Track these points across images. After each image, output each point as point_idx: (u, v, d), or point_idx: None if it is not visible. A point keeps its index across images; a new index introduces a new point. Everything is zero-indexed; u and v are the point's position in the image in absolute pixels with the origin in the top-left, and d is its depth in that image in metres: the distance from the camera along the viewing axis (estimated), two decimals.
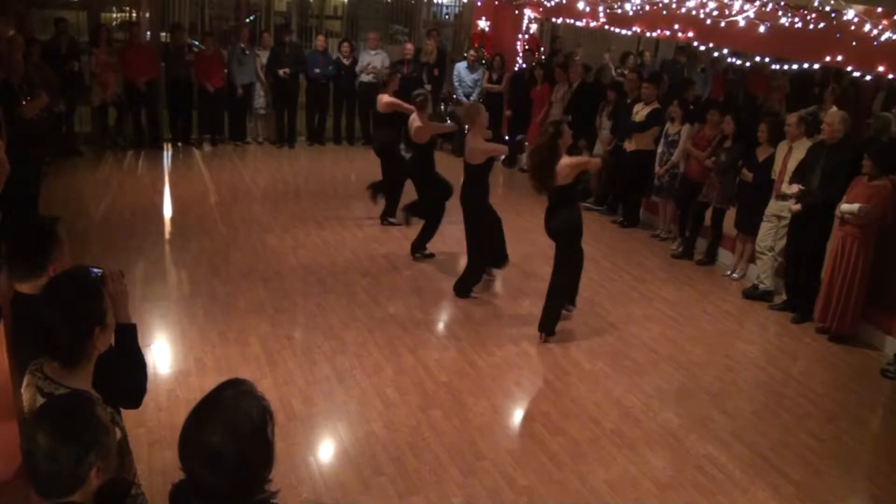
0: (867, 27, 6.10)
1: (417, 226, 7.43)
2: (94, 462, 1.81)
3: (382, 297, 6.37)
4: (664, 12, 8.47)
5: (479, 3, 12.29)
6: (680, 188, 7.99)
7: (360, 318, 5.95)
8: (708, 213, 7.70)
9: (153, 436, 4.18)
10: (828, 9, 6.36)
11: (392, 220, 8.16)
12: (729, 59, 11.30)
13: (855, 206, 5.87)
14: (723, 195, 7.38)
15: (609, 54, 12.08)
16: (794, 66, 10.44)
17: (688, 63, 11.46)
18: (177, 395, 4.66)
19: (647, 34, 9.51)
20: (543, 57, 11.57)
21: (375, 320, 5.93)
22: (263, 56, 10.81)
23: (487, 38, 12.08)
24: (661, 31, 8.75)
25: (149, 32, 10.88)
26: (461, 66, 11.30)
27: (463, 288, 6.49)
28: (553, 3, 10.66)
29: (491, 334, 5.88)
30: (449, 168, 7.61)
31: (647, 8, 8.70)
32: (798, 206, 6.37)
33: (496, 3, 11.84)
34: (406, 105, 7.54)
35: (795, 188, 6.32)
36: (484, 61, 11.36)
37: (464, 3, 13.67)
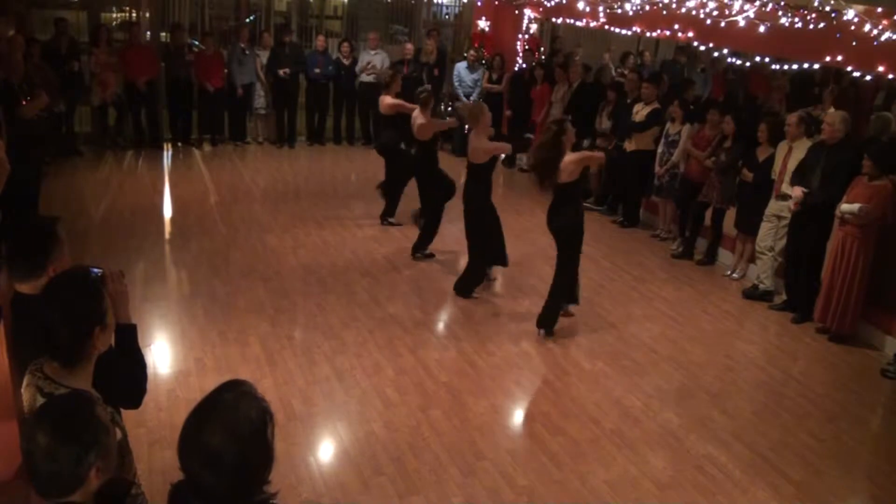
0: (867, 27, 6.10)
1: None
2: (94, 462, 1.81)
3: (382, 297, 6.37)
4: (664, 12, 8.47)
5: (479, 3, 12.29)
6: (680, 188, 7.99)
7: (360, 318, 5.95)
8: (708, 213, 7.70)
9: (153, 436, 4.18)
10: (828, 9, 6.35)
11: (391, 220, 8.16)
12: (729, 59, 11.30)
13: (855, 206, 5.87)
14: (723, 195, 7.38)
15: (609, 54, 12.08)
16: (794, 66, 10.44)
17: (688, 63, 11.47)
18: (177, 395, 4.66)
19: (647, 34, 9.51)
20: (543, 57, 11.58)
21: (375, 320, 5.93)
22: (263, 56, 10.81)
23: (487, 38, 12.08)
24: (661, 31, 8.75)
25: (149, 32, 10.88)
26: (461, 66, 11.30)
27: (463, 288, 6.49)
28: (553, 3, 10.66)
29: (491, 334, 5.88)
30: (449, 168, 7.60)
31: (647, 8, 8.70)
32: (796, 206, 6.36)
33: (496, 3, 11.84)
34: (409, 105, 7.55)
35: (799, 192, 6.30)
36: (484, 61, 11.36)
37: (464, 3, 13.66)
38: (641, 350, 5.85)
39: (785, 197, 6.60)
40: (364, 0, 14.61)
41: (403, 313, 6.11)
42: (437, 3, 14.56)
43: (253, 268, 6.74)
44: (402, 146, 8.00)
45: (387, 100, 7.81)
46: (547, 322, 5.86)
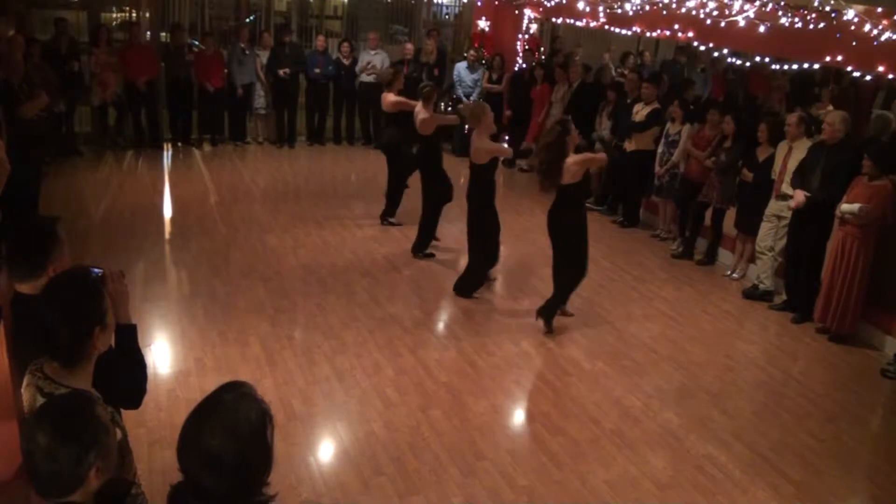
0: (867, 27, 6.10)
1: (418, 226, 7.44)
2: (94, 462, 1.81)
3: (382, 297, 6.37)
4: (664, 12, 8.47)
5: (479, 3, 12.29)
6: (680, 188, 7.99)
7: (360, 318, 5.95)
8: (708, 213, 7.70)
9: (153, 436, 4.18)
10: (828, 9, 6.35)
11: (392, 220, 8.16)
12: (729, 59, 11.30)
13: (855, 206, 5.87)
14: (723, 195, 7.38)
15: (609, 54, 12.08)
16: (794, 66, 10.44)
17: (688, 63, 11.47)
18: (177, 395, 4.65)
19: (647, 34, 9.51)
20: (543, 57, 11.58)
21: (375, 320, 5.93)
22: (263, 56, 10.81)
23: (487, 38, 12.08)
24: (661, 31, 8.75)
25: (149, 32, 10.87)
26: (461, 66, 11.30)
27: (463, 288, 6.49)
28: (553, 3, 10.66)
29: (491, 334, 5.88)
30: (449, 168, 7.59)
31: (647, 8, 8.70)
32: (797, 205, 6.35)
33: (496, 3, 11.84)
34: (411, 103, 7.58)
35: (801, 196, 6.29)
36: (484, 61, 11.36)
37: (464, 3, 13.66)
38: (641, 350, 5.85)
39: (785, 197, 6.60)
40: (364, 0, 14.61)
41: (403, 313, 6.11)
42: (437, 3, 14.56)
43: (253, 268, 6.74)
44: (404, 146, 8.01)
45: (389, 97, 7.81)
46: (547, 313, 5.93)
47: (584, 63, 10.62)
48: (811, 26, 6.62)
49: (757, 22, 7.13)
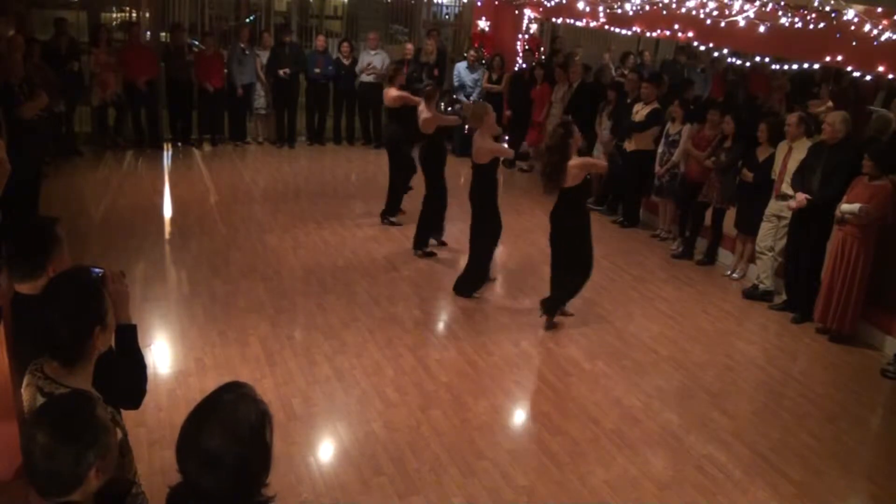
0: (867, 27, 6.10)
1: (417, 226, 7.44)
2: (94, 462, 1.80)
3: (382, 297, 6.37)
4: (664, 12, 8.47)
5: (479, 3, 12.29)
6: (680, 188, 7.99)
7: (360, 318, 5.95)
8: (708, 213, 7.70)
9: (153, 436, 4.17)
10: (828, 9, 6.35)
11: (392, 219, 8.17)
12: (729, 59, 11.31)
13: (855, 206, 5.87)
14: (723, 195, 7.38)
15: (609, 54, 12.09)
16: (794, 66, 10.45)
17: (688, 63, 11.47)
18: (177, 395, 4.65)
19: (647, 34, 9.52)
20: (543, 57, 11.58)
21: (375, 320, 5.93)
22: (263, 56, 10.81)
23: (487, 38, 12.08)
24: (661, 31, 8.75)
25: (149, 32, 10.88)
26: (461, 66, 11.30)
27: (463, 287, 6.49)
28: (553, 3, 10.66)
29: (491, 334, 5.88)
30: (449, 167, 7.58)
31: (647, 8, 8.70)
32: (798, 205, 6.35)
33: (496, 3, 11.84)
34: (414, 98, 7.59)
35: (802, 198, 6.29)
36: (484, 61, 11.36)
37: (464, 3, 13.67)
38: (641, 350, 5.85)
39: (785, 197, 6.60)
40: (364, 0, 14.61)
41: (403, 313, 6.11)
42: (437, 3, 14.56)
43: (253, 268, 6.74)
44: (405, 144, 8.03)
45: (391, 92, 7.82)
46: (551, 305, 5.96)
47: (584, 63, 10.62)
48: (811, 26, 6.62)
49: (757, 22, 7.13)
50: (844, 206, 5.95)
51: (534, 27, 11.95)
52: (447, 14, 14.95)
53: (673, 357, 5.78)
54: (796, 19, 6.70)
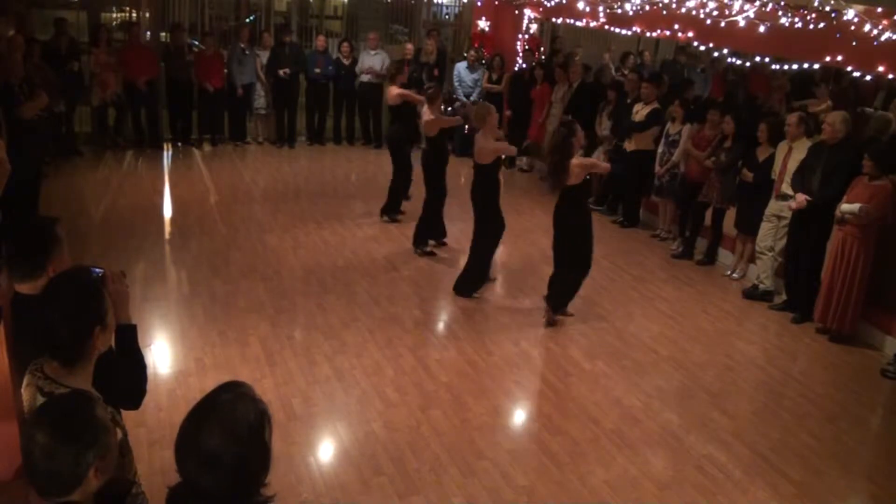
0: (867, 27, 6.10)
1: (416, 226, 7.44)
2: (93, 462, 1.80)
3: (382, 297, 6.37)
4: (664, 12, 8.47)
5: (479, 3, 12.29)
6: (680, 188, 7.99)
7: (360, 318, 5.95)
8: (708, 213, 7.70)
9: (153, 436, 4.17)
10: (828, 9, 6.35)
11: (393, 215, 8.18)
12: (729, 59, 11.30)
13: (855, 206, 5.87)
14: (723, 195, 7.38)
15: (609, 54, 12.08)
16: (794, 66, 10.45)
17: (688, 63, 11.46)
18: (177, 395, 4.65)
19: (647, 34, 9.51)
20: (543, 57, 11.57)
21: (375, 320, 5.93)
22: (263, 56, 10.81)
23: (487, 38, 12.08)
24: (661, 31, 8.75)
25: (149, 32, 10.88)
26: (461, 66, 11.31)
27: (463, 287, 6.49)
28: (553, 3, 10.66)
29: (491, 334, 5.88)
30: (449, 167, 7.58)
31: (647, 8, 8.70)
32: (798, 206, 6.35)
33: (496, 3, 11.84)
34: (416, 96, 7.58)
35: (803, 199, 6.29)
36: (484, 61, 11.36)
37: (464, 3, 13.66)
38: (641, 350, 5.85)
39: (785, 197, 6.60)
40: (364, 0, 14.61)
41: (403, 313, 6.11)
42: (437, 3, 14.55)
43: (253, 268, 6.74)
44: (405, 144, 8.04)
45: (393, 90, 7.83)
46: (556, 301, 6.00)
47: (584, 63, 10.61)
48: (811, 26, 6.61)
49: (757, 22, 7.13)
50: (844, 206, 5.95)
51: (534, 27, 11.95)
52: (447, 14, 14.95)
53: (673, 357, 5.78)
54: (796, 19, 6.70)
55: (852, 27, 6.24)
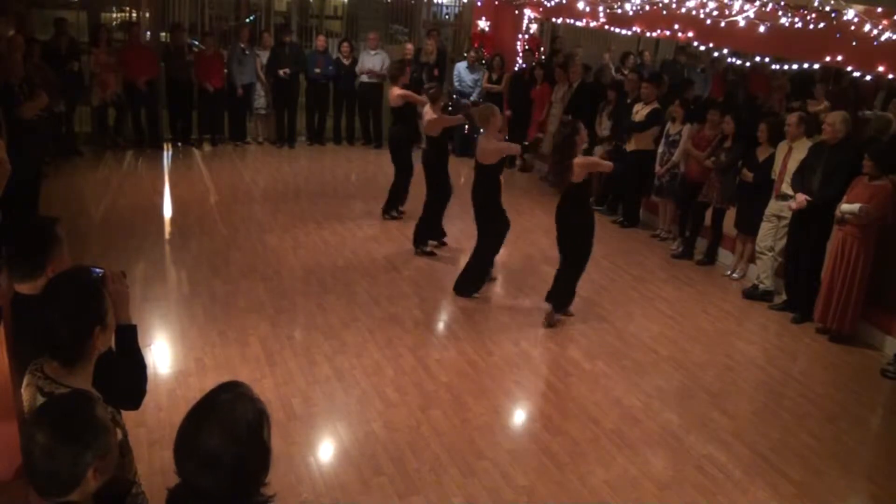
0: (867, 27, 6.10)
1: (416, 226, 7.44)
2: (92, 462, 1.80)
3: (382, 297, 6.37)
4: (664, 12, 8.47)
5: (479, 3, 12.29)
6: (680, 188, 7.99)
7: (360, 318, 5.95)
8: (708, 213, 7.70)
9: (153, 436, 4.17)
10: (828, 9, 6.35)
11: (394, 213, 8.19)
12: (729, 59, 11.31)
13: (855, 206, 5.87)
14: (723, 195, 7.38)
15: (609, 54, 12.08)
16: (794, 66, 10.45)
17: (688, 63, 11.47)
18: (177, 395, 4.65)
19: (647, 34, 9.51)
20: (543, 57, 11.58)
21: (375, 320, 5.93)
22: (263, 56, 10.81)
23: (487, 38, 12.08)
24: (661, 31, 8.75)
25: (149, 32, 10.88)
26: (461, 66, 11.31)
27: (463, 287, 6.49)
28: (553, 3, 10.66)
29: (491, 334, 5.88)
30: (450, 167, 7.59)
31: (647, 8, 8.70)
32: (798, 206, 6.35)
33: (496, 3, 11.84)
34: (417, 96, 7.59)
35: (803, 199, 6.29)
36: (484, 61, 11.36)
37: (464, 3, 13.67)
38: (641, 350, 5.85)
39: (785, 197, 6.60)
40: (364, 0, 14.61)
41: (403, 313, 6.11)
42: (437, 3, 14.56)
43: (253, 268, 6.74)
44: (406, 144, 8.04)
45: (395, 91, 7.83)
46: (558, 299, 6.00)
47: (584, 63, 10.61)
48: (811, 26, 6.62)
49: (757, 22, 7.13)
50: (844, 206, 5.95)
51: (534, 27, 11.95)
52: (447, 14, 14.96)
53: (673, 357, 5.78)
54: (796, 19, 6.70)
55: (852, 27, 6.25)
